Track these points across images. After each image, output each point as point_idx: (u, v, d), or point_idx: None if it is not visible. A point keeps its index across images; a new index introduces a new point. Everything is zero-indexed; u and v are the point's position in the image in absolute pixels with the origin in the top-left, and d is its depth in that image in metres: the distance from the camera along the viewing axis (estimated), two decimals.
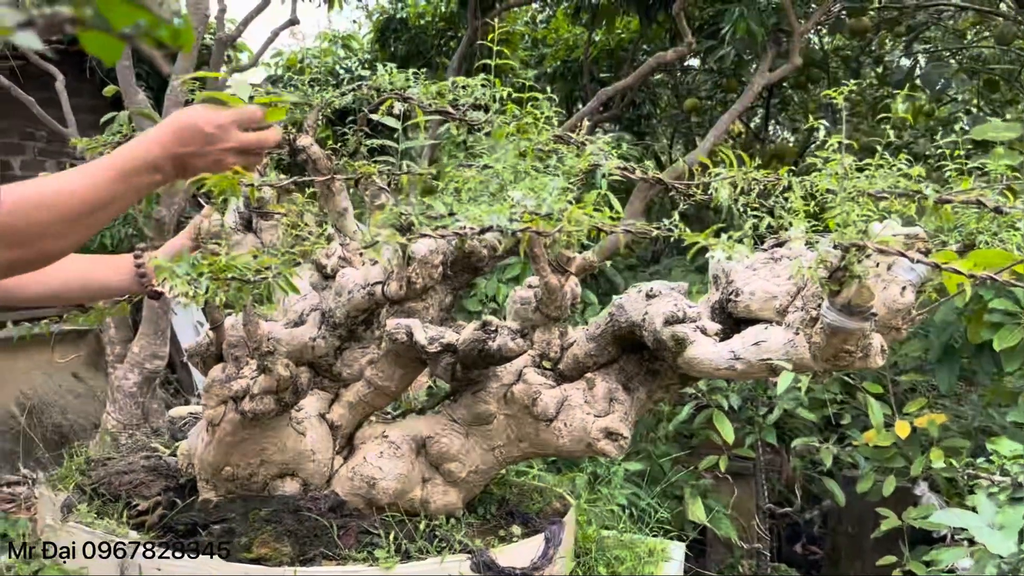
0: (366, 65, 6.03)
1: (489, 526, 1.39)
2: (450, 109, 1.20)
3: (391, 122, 1.61)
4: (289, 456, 1.30)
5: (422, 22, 6.18)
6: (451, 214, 1.01)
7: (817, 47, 5.50)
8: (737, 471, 3.16)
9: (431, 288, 1.36)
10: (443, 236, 0.88)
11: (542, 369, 1.39)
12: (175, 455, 1.44)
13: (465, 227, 0.91)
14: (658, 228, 1.09)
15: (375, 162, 1.65)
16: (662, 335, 1.19)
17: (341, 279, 1.15)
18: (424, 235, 0.92)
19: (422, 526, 1.31)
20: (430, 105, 1.22)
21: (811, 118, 1.51)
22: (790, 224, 1.15)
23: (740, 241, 1.01)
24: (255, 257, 1.08)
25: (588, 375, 1.34)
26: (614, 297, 1.30)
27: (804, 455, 3.16)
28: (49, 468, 4.37)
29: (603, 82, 5.54)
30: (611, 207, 1.26)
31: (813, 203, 1.28)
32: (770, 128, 6.48)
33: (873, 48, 5.80)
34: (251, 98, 1.34)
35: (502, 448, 1.36)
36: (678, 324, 1.18)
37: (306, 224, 1.40)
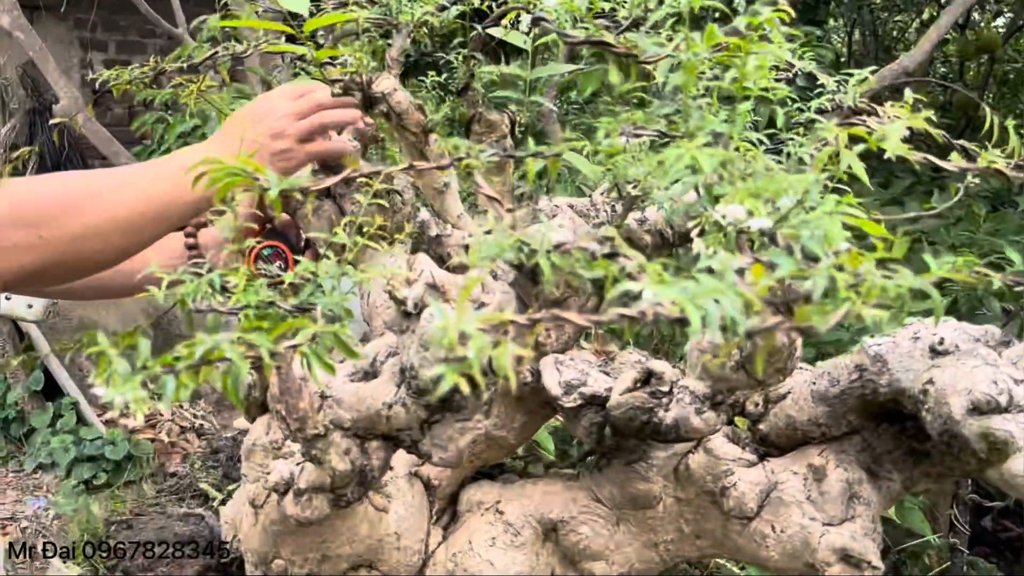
0: None
1: None
2: (606, 37, 0.71)
3: (518, 40, 1.14)
4: (363, 547, 0.91)
5: None
6: (612, 255, 0.55)
7: None
8: None
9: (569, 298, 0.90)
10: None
11: (734, 428, 0.92)
12: (225, 502, 1.08)
13: (648, 309, 0.44)
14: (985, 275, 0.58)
15: (494, 99, 1.19)
16: (963, 429, 0.70)
17: (428, 324, 0.71)
18: (550, 317, 0.46)
19: None
20: (575, 28, 0.73)
21: None
22: None
23: None
24: (281, 303, 0.66)
25: (811, 450, 0.87)
26: (865, 340, 0.81)
27: None
28: None
29: None
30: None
31: None
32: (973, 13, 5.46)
33: None
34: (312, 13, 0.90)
35: (669, 545, 0.92)
36: (996, 415, 0.68)
37: (399, 195, 0.97)
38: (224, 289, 0.73)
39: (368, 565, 0.93)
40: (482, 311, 0.67)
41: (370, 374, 0.81)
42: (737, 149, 0.66)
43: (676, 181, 0.68)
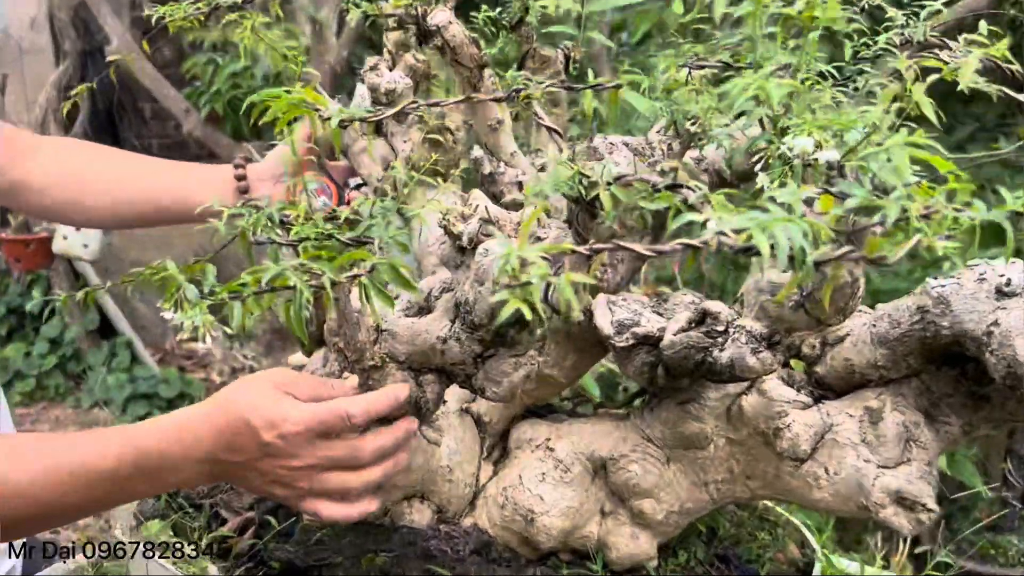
0: None
1: None
2: None
3: None
4: (415, 477, 0.93)
5: None
6: (674, 187, 0.54)
7: None
8: None
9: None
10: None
11: (789, 371, 0.92)
12: None
13: (712, 239, 0.43)
14: None
15: (545, 34, 1.17)
16: None
17: (484, 259, 0.71)
18: (612, 246, 0.46)
19: None
20: None
21: None
22: None
23: None
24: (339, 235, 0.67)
25: (868, 393, 0.86)
26: (928, 281, 0.79)
27: None
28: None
29: None
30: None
31: None
32: None
33: None
34: None
35: (720, 485, 0.92)
36: None
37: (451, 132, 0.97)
38: (283, 223, 0.74)
39: (421, 496, 0.95)
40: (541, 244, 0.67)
41: (424, 309, 0.82)
42: (805, 81, 0.64)
43: (741, 115, 0.66)
